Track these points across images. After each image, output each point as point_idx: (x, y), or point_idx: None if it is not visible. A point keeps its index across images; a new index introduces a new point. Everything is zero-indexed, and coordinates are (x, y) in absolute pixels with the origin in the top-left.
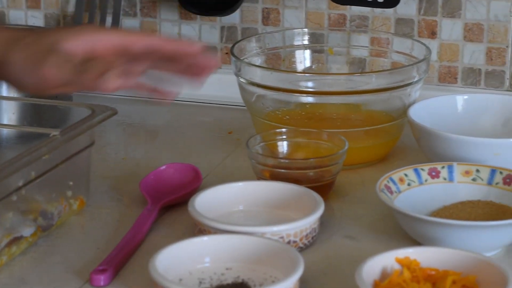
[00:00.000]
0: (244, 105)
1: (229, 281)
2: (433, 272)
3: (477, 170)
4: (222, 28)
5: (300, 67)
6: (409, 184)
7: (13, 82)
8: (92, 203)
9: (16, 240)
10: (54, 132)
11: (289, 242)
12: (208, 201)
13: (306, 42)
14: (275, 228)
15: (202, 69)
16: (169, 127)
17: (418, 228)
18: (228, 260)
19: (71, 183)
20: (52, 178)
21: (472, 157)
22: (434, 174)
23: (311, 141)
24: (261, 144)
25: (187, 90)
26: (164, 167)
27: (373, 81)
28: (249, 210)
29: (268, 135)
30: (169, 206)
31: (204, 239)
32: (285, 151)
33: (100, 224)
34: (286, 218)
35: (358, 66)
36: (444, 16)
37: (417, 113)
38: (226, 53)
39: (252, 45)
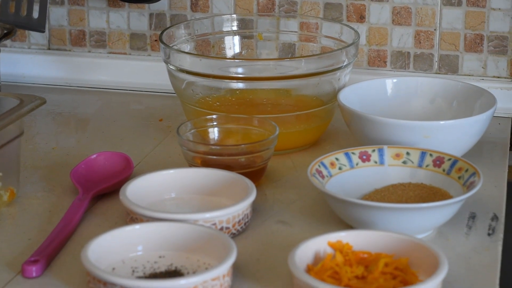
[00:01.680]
0: (174, 92)
1: (162, 269)
2: (365, 255)
3: (408, 153)
4: (151, 15)
5: (229, 53)
6: (340, 168)
7: None
8: (23, 193)
9: None
10: None
11: (221, 229)
12: (139, 189)
13: (235, 28)
14: (208, 215)
15: None
16: (99, 116)
17: (349, 212)
18: (161, 248)
19: (0, 174)
20: None
21: (402, 140)
22: (365, 157)
23: (242, 127)
24: (192, 131)
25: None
26: (94, 156)
27: (303, 66)
28: (181, 197)
29: (199, 122)
30: (101, 195)
31: (136, 227)
32: (216, 138)
33: (31, 214)
34: (218, 205)
35: (288, 51)
36: (372, 0)
37: (347, 97)
38: (155, 40)
39: (181, 32)
